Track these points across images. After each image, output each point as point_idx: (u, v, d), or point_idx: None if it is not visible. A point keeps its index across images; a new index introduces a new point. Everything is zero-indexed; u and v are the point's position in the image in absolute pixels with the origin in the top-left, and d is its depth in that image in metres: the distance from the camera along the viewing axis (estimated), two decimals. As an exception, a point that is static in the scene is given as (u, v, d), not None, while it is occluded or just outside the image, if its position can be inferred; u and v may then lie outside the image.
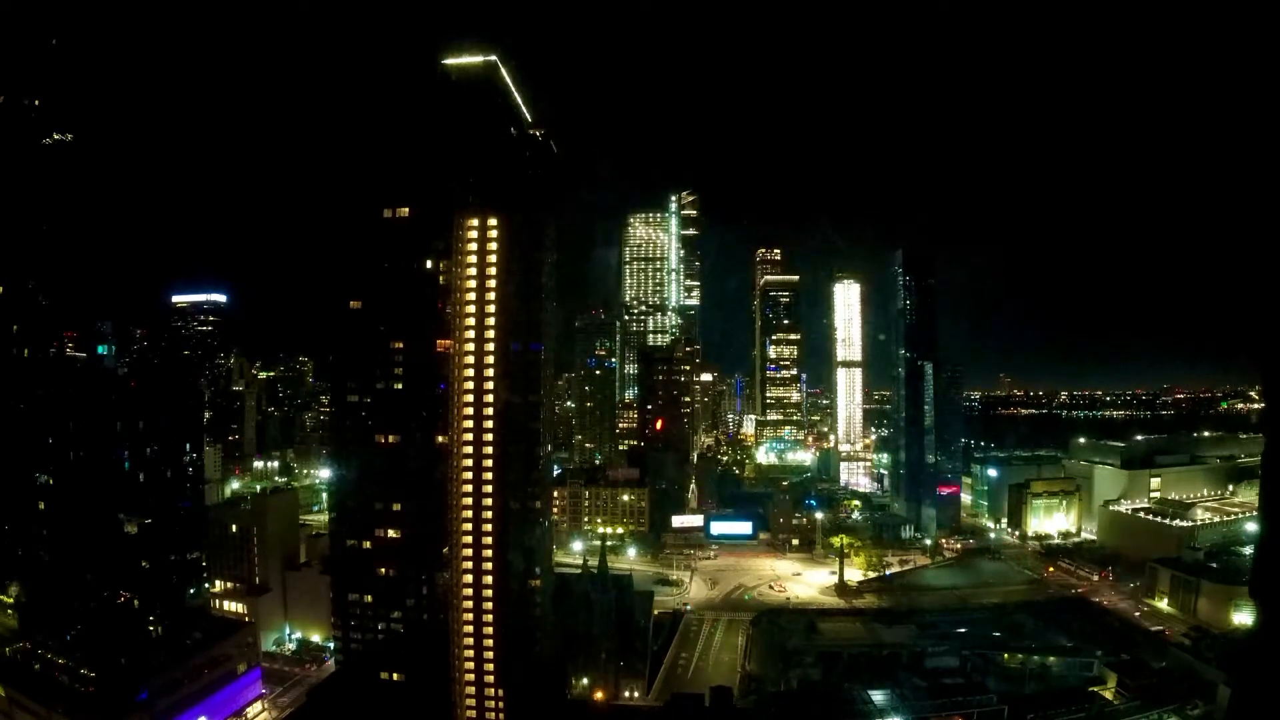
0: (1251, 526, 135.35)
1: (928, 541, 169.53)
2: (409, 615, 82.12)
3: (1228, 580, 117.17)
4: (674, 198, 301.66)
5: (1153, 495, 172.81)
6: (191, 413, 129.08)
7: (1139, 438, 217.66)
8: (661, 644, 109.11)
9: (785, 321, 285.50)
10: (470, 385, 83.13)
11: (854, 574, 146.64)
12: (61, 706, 76.90)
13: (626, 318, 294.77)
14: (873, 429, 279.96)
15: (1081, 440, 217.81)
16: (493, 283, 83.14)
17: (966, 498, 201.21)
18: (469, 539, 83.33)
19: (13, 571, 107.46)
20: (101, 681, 78.09)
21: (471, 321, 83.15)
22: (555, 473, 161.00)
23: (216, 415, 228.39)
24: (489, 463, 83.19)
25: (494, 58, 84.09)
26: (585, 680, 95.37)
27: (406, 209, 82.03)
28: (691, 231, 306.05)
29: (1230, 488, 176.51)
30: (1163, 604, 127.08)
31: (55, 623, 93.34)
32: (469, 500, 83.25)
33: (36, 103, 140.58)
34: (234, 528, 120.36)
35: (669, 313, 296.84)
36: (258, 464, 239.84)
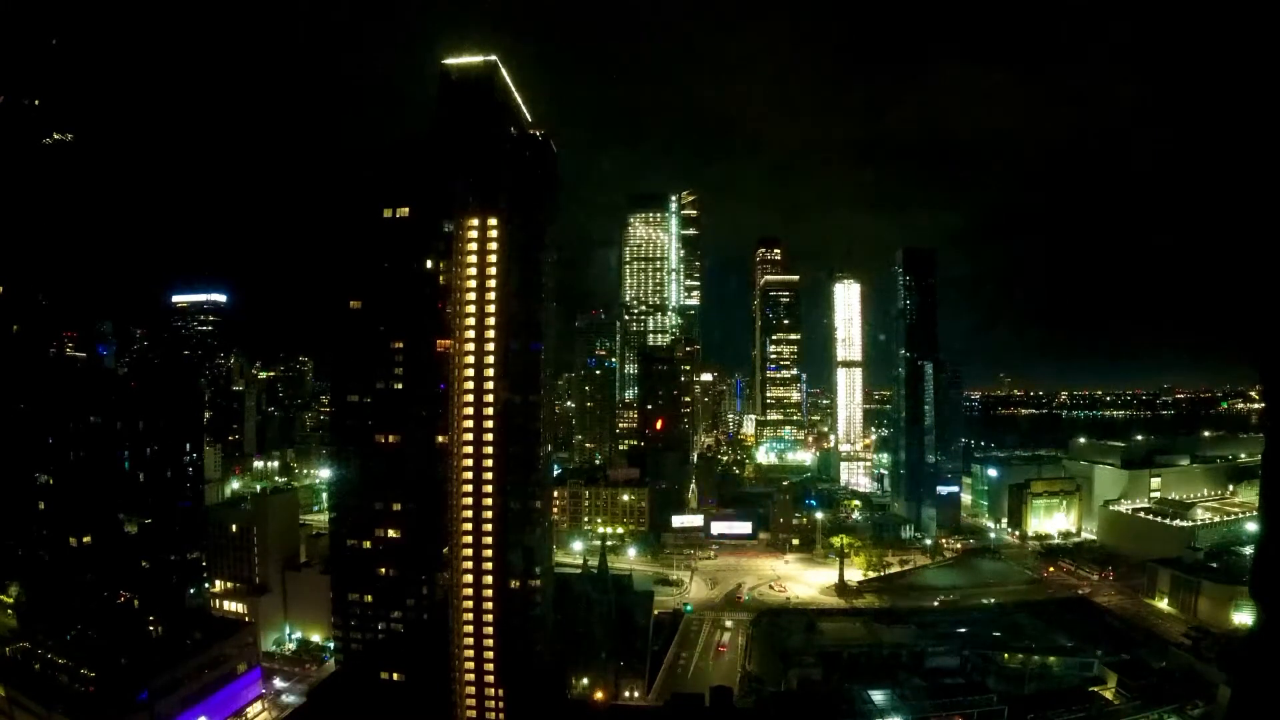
0: (1251, 526, 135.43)
1: (928, 541, 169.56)
2: (409, 615, 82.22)
3: (1228, 580, 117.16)
4: (674, 198, 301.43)
5: (1153, 495, 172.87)
6: (191, 413, 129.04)
7: (1139, 438, 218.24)
8: (661, 644, 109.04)
9: (785, 321, 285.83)
10: (470, 385, 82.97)
11: (854, 574, 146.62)
12: (61, 706, 76.68)
13: (626, 318, 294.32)
14: (873, 429, 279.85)
15: (1081, 440, 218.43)
16: (493, 283, 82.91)
17: (966, 498, 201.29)
18: (469, 539, 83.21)
19: (13, 571, 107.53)
20: (101, 681, 77.98)
21: (471, 321, 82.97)
22: (555, 473, 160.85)
23: (216, 415, 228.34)
24: (489, 463, 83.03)
25: (494, 58, 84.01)
26: (585, 680, 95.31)
27: (406, 209, 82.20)
28: (691, 231, 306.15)
29: (1230, 488, 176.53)
30: (1163, 604, 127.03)
31: (55, 623, 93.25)
32: (469, 500, 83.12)
33: (36, 103, 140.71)
34: (234, 528, 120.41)
35: (669, 313, 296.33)
36: (258, 464, 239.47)
